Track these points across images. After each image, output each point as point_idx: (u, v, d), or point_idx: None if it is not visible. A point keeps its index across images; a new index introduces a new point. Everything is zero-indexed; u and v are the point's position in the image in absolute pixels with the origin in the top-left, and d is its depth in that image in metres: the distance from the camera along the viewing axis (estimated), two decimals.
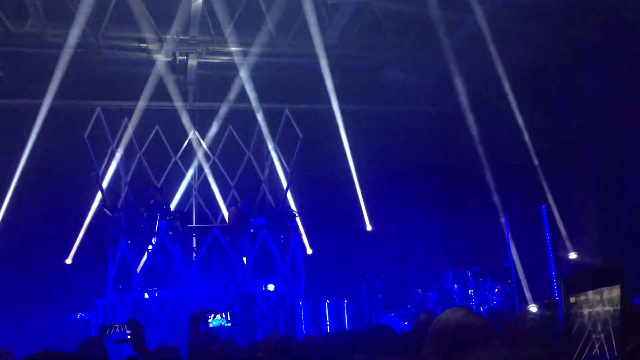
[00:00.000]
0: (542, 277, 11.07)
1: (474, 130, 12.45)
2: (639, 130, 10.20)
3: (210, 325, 5.78)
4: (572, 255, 11.39)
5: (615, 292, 1.65)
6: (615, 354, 1.63)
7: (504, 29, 11.34)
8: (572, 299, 1.64)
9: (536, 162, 11.82)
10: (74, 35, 11.38)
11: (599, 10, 10.44)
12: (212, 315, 5.84)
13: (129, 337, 4.11)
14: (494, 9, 11.24)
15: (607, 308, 1.63)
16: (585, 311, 1.63)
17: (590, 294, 1.64)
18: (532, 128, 11.99)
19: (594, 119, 11.34)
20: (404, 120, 13.58)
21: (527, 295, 11.33)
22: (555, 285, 10.59)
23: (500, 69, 11.65)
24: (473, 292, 11.37)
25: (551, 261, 10.88)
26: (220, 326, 5.88)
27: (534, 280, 11.47)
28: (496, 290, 11.37)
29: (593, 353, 1.63)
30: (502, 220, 11.66)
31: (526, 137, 11.97)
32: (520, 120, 11.98)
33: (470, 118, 12.42)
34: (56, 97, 11.91)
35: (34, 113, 12.03)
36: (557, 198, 11.90)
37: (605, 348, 1.62)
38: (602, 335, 1.62)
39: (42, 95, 11.86)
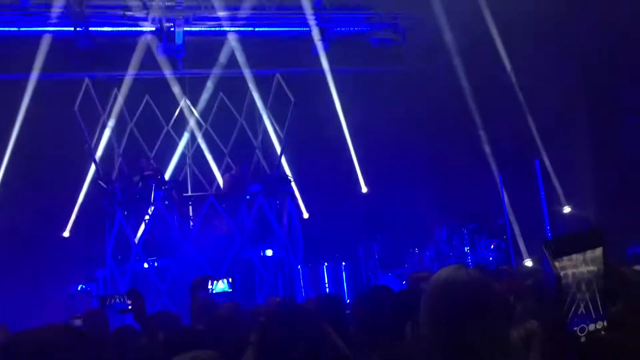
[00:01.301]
0: (537, 232, 11.18)
1: (467, 88, 12.40)
2: (633, 84, 10.17)
3: (214, 291, 5.83)
4: (567, 209, 11.48)
5: (598, 252, 1.67)
6: (601, 312, 1.67)
7: None
8: (556, 263, 1.66)
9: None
10: (57, 5, 11.17)
11: None
12: (213, 281, 5.88)
13: (129, 307, 4.14)
14: None
15: (591, 268, 1.66)
16: (570, 272, 1.65)
17: (574, 255, 1.66)
18: (524, 82, 11.95)
19: (588, 70, 11.29)
20: (396, 81, 13.47)
21: (523, 250, 11.46)
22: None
23: (491, 24, 11.55)
24: (469, 249, 11.49)
25: (545, 216, 10.97)
26: (223, 292, 5.93)
27: (530, 235, 11.59)
28: (492, 246, 11.48)
29: (579, 313, 1.65)
30: (497, 177, 11.71)
31: (518, 91, 11.94)
32: (512, 75, 11.94)
33: (463, 75, 12.36)
34: (43, 71, 11.76)
35: (21, 88, 11.88)
36: (550, 152, 11.93)
37: (591, 307, 1.65)
38: (587, 295, 1.65)
39: (29, 69, 11.69)
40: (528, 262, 10.86)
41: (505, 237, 11.30)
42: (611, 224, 9.95)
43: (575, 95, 11.48)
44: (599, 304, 1.64)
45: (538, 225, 11.23)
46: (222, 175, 13.08)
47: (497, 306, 2.07)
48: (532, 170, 11.26)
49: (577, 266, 1.64)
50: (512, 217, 11.53)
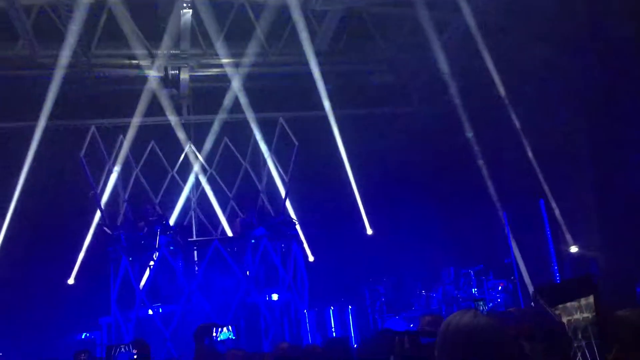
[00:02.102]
0: (544, 272, 11.06)
1: (469, 129, 12.47)
2: (635, 120, 10.21)
3: (219, 339, 5.78)
4: (573, 249, 11.38)
5: (591, 299, 1.68)
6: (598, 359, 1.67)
7: (493, 26, 11.38)
8: (552, 309, 1.67)
9: (530, 155, 11.80)
10: (64, 55, 11.41)
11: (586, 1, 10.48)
12: (218, 329, 5.84)
13: (135, 357, 4.12)
14: (482, 6, 11.28)
15: (586, 315, 1.66)
16: (565, 319, 1.65)
17: (568, 304, 1.67)
18: (527, 122, 12.01)
19: (591, 109, 11.35)
20: (398, 122, 13.60)
21: (531, 290, 11.32)
22: (557, 279, 10.58)
23: (491, 65, 11.68)
24: (476, 291, 11.35)
25: (553, 255, 10.87)
26: (227, 339, 5.88)
27: (537, 275, 11.47)
28: (499, 287, 11.35)
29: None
30: (501, 216, 11.66)
31: (520, 132, 11.98)
32: (514, 115, 12.01)
33: (464, 116, 12.45)
34: (50, 118, 11.94)
35: (28, 135, 12.04)
36: (555, 192, 11.90)
37: (588, 355, 1.65)
38: (584, 343, 1.64)
39: (36, 117, 11.87)
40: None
41: (512, 277, 11.18)
42: (619, 263, 9.86)
43: (578, 133, 11.53)
44: (596, 350, 1.64)
45: (545, 265, 11.12)
46: (230, 220, 13.07)
47: (511, 350, 2.12)
48: (537, 209, 11.21)
49: (572, 314, 1.64)
50: (518, 257, 11.43)
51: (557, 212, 11.71)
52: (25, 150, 12.05)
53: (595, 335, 1.65)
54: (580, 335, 1.63)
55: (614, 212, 10.41)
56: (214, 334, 5.61)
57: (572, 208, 11.60)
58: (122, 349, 4.45)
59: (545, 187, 11.93)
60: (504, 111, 11.94)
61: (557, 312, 1.66)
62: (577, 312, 1.65)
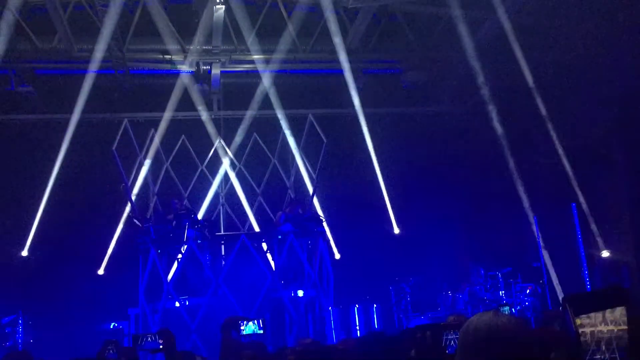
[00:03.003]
0: (574, 276, 10.88)
1: (500, 129, 12.32)
2: None
3: (243, 332, 5.81)
4: (605, 254, 11.17)
5: (618, 311, 1.63)
6: None
7: (527, 25, 11.22)
8: (577, 320, 1.63)
9: (563, 158, 11.62)
10: (99, 49, 11.60)
11: (627, 3, 10.26)
12: (244, 322, 5.88)
13: (160, 346, 4.17)
14: (516, 5, 11.13)
15: (611, 327, 1.62)
16: (588, 330, 1.61)
17: (592, 314, 1.63)
18: (560, 125, 11.82)
19: (624, 113, 11.13)
20: (429, 122, 13.51)
21: (560, 295, 11.15)
22: (587, 284, 10.40)
23: (524, 65, 11.52)
24: (504, 293, 11.22)
25: (583, 260, 10.69)
26: (253, 333, 5.91)
27: (566, 279, 11.28)
28: (528, 291, 11.19)
29: None
30: (532, 219, 11.50)
31: (553, 134, 11.79)
32: (547, 117, 11.82)
33: (495, 117, 12.30)
34: (84, 111, 12.16)
35: (63, 127, 12.29)
36: (587, 196, 11.69)
37: None
38: (607, 355, 1.60)
39: (71, 110, 12.11)
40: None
41: (541, 281, 11.02)
42: None
43: (611, 138, 11.33)
44: None
45: (575, 269, 10.94)
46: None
47: (536, 353, 2.08)
48: (568, 214, 11.03)
49: (596, 325, 1.61)
50: (548, 261, 11.26)
51: (588, 216, 11.51)
52: (60, 142, 12.30)
53: (621, 348, 1.61)
54: (604, 348, 1.60)
55: None
56: (241, 327, 5.65)
57: (604, 212, 11.39)
58: (149, 339, 4.51)
59: (578, 191, 11.74)
60: (537, 113, 11.77)
61: (581, 321, 1.62)
62: (602, 324, 1.61)
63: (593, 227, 11.44)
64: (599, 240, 11.37)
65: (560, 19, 11.09)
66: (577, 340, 1.60)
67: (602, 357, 1.62)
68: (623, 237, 10.76)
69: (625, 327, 1.62)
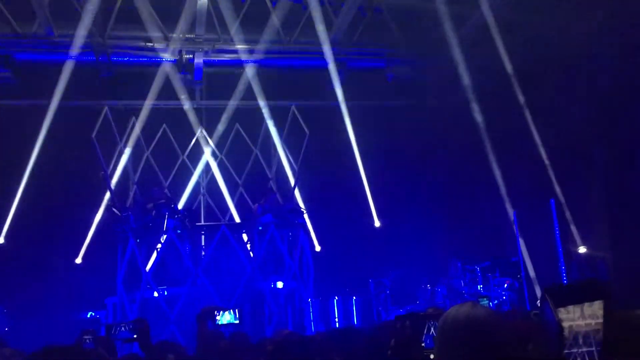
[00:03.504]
0: (551, 272, 11.01)
1: (481, 124, 12.39)
2: None
3: (219, 322, 5.78)
4: (582, 249, 11.31)
5: (596, 305, 1.64)
6: None
7: (511, 21, 11.28)
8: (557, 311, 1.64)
9: (543, 155, 11.73)
10: (80, 35, 11.44)
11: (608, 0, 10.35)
12: (220, 312, 5.84)
13: (134, 336, 4.13)
14: (500, 1, 11.18)
15: (588, 321, 1.63)
16: (567, 324, 1.63)
17: (571, 308, 1.64)
18: (540, 121, 11.91)
19: (604, 109, 11.24)
20: (411, 115, 13.53)
21: (537, 289, 11.28)
22: (564, 280, 10.52)
23: (507, 61, 11.59)
24: (482, 287, 11.32)
25: (560, 255, 10.81)
26: (229, 324, 5.88)
27: (544, 274, 11.41)
28: (505, 285, 11.31)
29: None
30: (511, 214, 11.60)
31: (534, 130, 11.88)
32: (527, 113, 11.91)
33: (477, 112, 12.37)
34: (64, 98, 11.99)
35: (42, 114, 12.11)
36: (566, 192, 11.81)
37: None
38: (585, 349, 1.62)
39: (50, 96, 11.93)
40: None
41: (519, 276, 11.13)
42: (628, 264, 9.79)
43: (591, 134, 11.43)
44: (596, 358, 1.61)
45: (553, 264, 11.07)
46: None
47: (512, 343, 2.11)
48: (547, 209, 11.14)
49: (574, 319, 1.62)
50: (526, 256, 11.38)
51: (567, 212, 11.63)
52: (38, 129, 12.12)
53: (598, 342, 1.62)
54: (581, 342, 1.61)
55: (624, 214, 10.33)
56: (217, 318, 5.61)
57: (582, 208, 11.52)
58: (122, 328, 4.46)
59: (556, 187, 11.85)
60: (519, 109, 11.84)
61: (560, 315, 1.64)
62: (580, 318, 1.62)
63: (571, 222, 11.56)
64: (577, 235, 11.50)
65: (542, 15, 11.15)
66: (559, 330, 1.61)
67: (580, 351, 1.63)
68: (600, 233, 10.88)
69: (601, 321, 1.64)
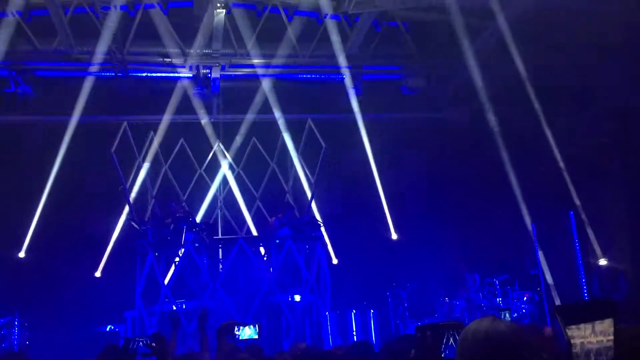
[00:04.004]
0: (571, 285, 10.88)
1: (499, 137, 12.33)
2: None
3: (240, 337, 5.78)
4: (602, 262, 11.18)
5: (606, 323, 1.65)
6: None
7: (526, 34, 11.24)
8: (567, 330, 1.65)
9: (561, 165, 11.65)
10: (100, 51, 11.61)
11: (623, 11, 10.29)
12: (240, 327, 5.85)
13: (152, 350, 4.15)
14: (515, 14, 11.15)
15: (600, 338, 1.64)
16: (578, 341, 1.64)
17: (582, 325, 1.65)
18: (558, 133, 11.84)
19: (622, 121, 11.15)
20: (428, 128, 13.52)
21: (557, 302, 11.14)
22: (585, 293, 10.40)
23: (523, 74, 11.53)
24: (501, 300, 11.22)
25: (580, 268, 10.69)
26: (249, 338, 5.87)
27: (564, 287, 11.28)
28: (525, 298, 11.20)
29: None
30: (530, 227, 11.51)
31: (552, 143, 11.81)
32: (545, 125, 11.84)
33: (494, 124, 12.32)
34: (83, 113, 12.15)
35: (62, 129, 12.29)
36: (585, 204, 11.70)
37: None
38: None
39: (70, 112, 12.10)
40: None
41: (538, 288, 11.02)
42: None
43: (610, 145, 11.35)
44: None
45: (573, 277, 10.94)
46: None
47: (529, 356, 2.11)
48: (566, 222, 11.04)
49: (586, 336, 1.63)
50: (545, 269, 11.26)
51: (586, 224, 11.51)
52: (58, 144, 12.29)
53: (609, 359, 1.63)
54: (593, 359, 1.62)
55: None
56: (237, 332, 5.61)
57: (602, 221, 11.40)
58: (140, 343, 4.49)
59: (576, 199, 11.74)
60: (536, 121, 11.78)
61: (571, 332, 1.65)
62: (591, 335, 1.63)
63: (591, 235, 11.44)
64: (597, 248, 11.37)
65: (559, 29, 11.12)
66: (568, 349, 1.62)
67: None
68: (620, 246, 10.76)
69: (612, 337, 1.65)
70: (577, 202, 11.66)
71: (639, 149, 10.66)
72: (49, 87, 12.81)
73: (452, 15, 11.21)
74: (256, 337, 5.67)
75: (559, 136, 11.83)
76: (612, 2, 10.20)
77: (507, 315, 10.46)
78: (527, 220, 11.93)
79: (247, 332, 5.59)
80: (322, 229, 12.06)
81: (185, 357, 4.86)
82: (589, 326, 1.65)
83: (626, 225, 10.83)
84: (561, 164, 11.73)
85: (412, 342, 4.06)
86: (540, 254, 11.07)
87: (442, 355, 3.08)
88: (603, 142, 11.05)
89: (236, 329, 5.51)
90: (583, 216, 11.54)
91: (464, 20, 11.41)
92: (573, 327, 1.65)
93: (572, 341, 1.63)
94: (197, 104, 13.09)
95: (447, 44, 12.23)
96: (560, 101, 11.54)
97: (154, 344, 4.16)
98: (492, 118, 12.32)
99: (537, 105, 11.74)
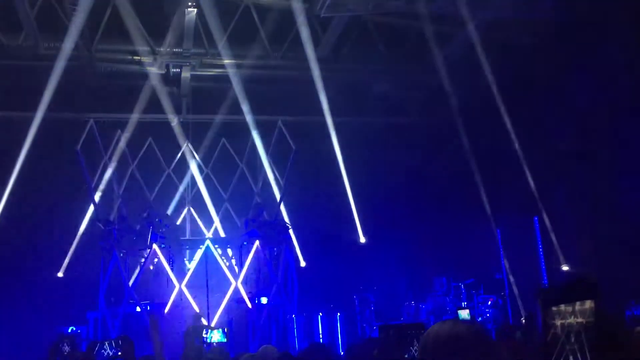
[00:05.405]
0: (534, 289, 11.07)
1: (466, 142, 12.49)
2: (630, 140, 10.26)
3: (208, 340, 5.74)
4: (565, 267, 11.41)
5: (587, 304, 1.69)
6: None
7: (494, 43, 11.43)
8: (547, 312, 1.68)
9: (526, 171, 11.86)
10: (67, 47, 11.39)
11: (588, 23, 10.54)
12: (209, 330, 5.80)
13: (119, 353, 4.09)
14: (484, 23, 11.32)
15: (580, 319, 1.67)
16: (558, 322, 1.67)
17: (563, 306, 1.69)
18: (523, 140, 12.05)
19: (586, 129, 11.41)
20: (397, 132, 13.61)
21: (520, 306, 11.33)
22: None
23: (491, 81, 11.71)
24: (466, 304, 11.36)
25: (543, 273, 10.89)
26: (218, 342, 5.83)
27: (527, 292, 11.47)
28: (489, 302, 11.36)
29: None
30: (495, 232, 11.68)
31: (518, 149, 12.01)
32: (512, 132, 12.03)
33: (462, 130, 12.48)
34: (49, 110, 11.89)
35: (26, 125, 12.00)
36: (549, 210, 11.92)
37: (580, 359, 1.66)
38: (576, 347, 1.65)
39: (35, 108, 11.84)
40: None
41: (502, 293, 11.19)
42: (609, 284, 9.87)
43: (575, 152, 11.59)
44: (588, 356, 1.64)
45: (536, 282, 11.14)
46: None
47: (490, 358, 2.13)
48: (531, 228, 11.24)
49: (566, 317, 1.66)
50: (510, 273, 11.44)
51: (550, 230, 11.73)
52: (23, 140, 12.01)
53: (589, 339, 1.66)
54: (573, 339, 1.65)
55: (607, 233, 10.44)
56: (205, 336, 5.58)
57: (565, 227, 11.63)
58: (105, 346, 4.41)
59: (540, 205, 11.96)
60: (503, 127, 11.96)
61: (551, 313, 1.68)
62: (571, 316, 1.66)
63: (554, 241, 11.66)
64: (560, 253, 11.60)
65: (526, 37, 11.33)
66: (544, 331, 1.65)
67: (571, 348, 1.66)
68: (583, 252, 10.98)
69: (593, 319, 1.69)
70: (542, 207, 11.87)
71: (603, 156, 10.91)
72: (14, 82, 12.51)
73: (422, 21, 11.33)
74: (225, 340, 5.64)
75: (524, 142, 12.04)
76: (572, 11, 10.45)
77: (467, 312, 10.60)
78: (493, 225, 12.10)
79: (216, 336, 5.56)
80: (291, 231, 12.03)
81: (148, 358, 4.80)
82: (569, 307, 1.68)
83: (588, 230, 11.06)
84: (526, 170, 11.93)
85: (375, 338, 4.09)
86: (505, 259, 11.25)
87: (405, 356, 3.11)
88: (566, 147, 11.28)
89: (204, 332, 5.48)
90: (547, 222, 11.76)
91: (433, 27, 11.53)
92: (554, 308, 1.68)
93: (552, 322, 1.66)
94: (166, 103, 12.93)
95: (418, 49, 12.35)
96: (525, 107, 11.75)
97: (120, 348, 4.09)
98: (460, 124, 12.48)
99: (503, 111, 11.92)
